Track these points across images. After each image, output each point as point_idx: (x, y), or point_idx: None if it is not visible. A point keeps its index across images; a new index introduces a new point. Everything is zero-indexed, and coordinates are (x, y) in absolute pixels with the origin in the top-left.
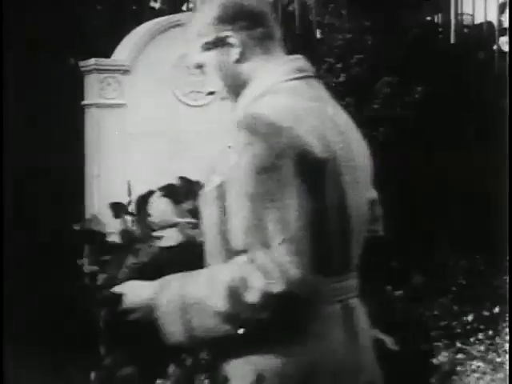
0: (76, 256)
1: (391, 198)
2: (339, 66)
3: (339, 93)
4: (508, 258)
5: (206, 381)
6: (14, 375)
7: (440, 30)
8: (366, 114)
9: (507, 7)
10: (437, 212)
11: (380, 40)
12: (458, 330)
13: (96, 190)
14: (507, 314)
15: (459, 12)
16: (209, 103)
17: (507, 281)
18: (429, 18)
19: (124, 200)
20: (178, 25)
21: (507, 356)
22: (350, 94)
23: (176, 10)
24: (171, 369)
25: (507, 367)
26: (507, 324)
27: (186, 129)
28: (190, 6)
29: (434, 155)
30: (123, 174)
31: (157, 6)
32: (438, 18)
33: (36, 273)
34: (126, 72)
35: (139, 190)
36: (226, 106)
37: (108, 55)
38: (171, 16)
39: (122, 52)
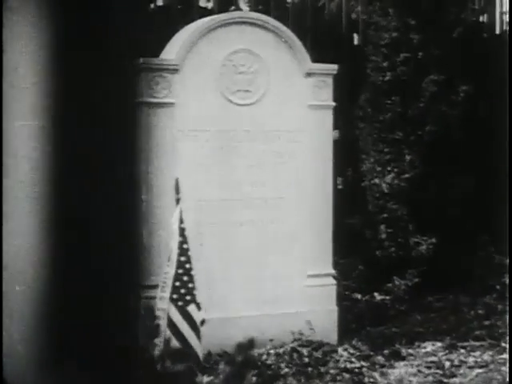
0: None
1: (436, 197)
2: (385, 64)
3: (385, 92)
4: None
5: (254, 378)
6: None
7: (485, 28)
8: (411, 112)
9: None
10: (482, 210)
11: (426, 38)
12: (502, 330)
13: (145, 188)
14: (507, 314)
15: (504, 11)
16: (256, 102)
17: (507, 281)
18: (474, 18)
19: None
20: (227, 24)
21: (507, 356)
22: (396, 92)
23: (224, 9)
24: (221, 366)
25: (507, 367)
26: (507, 324)
27: (234, 127)
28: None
29: (479, 154)
30: (172, 171)
31: (209, 5)
32: (483, 17)
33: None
34: (174, 71)
35: (187, 188)
36: (273, 104)
37: (157, 54)
38: (219, 15)
39: (171, 51)
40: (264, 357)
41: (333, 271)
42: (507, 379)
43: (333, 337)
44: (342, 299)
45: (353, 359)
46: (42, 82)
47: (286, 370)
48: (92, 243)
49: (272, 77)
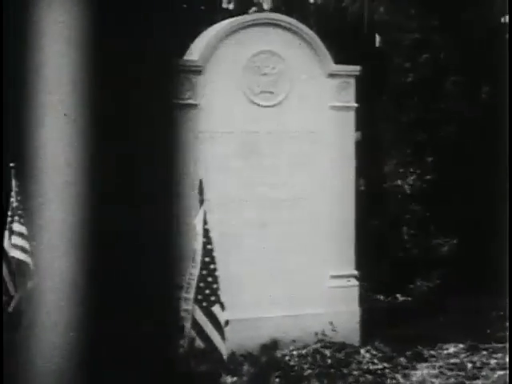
0: None
1: (458, 198)
2: (407, 65)
3: (407, 93)
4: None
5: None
6: None
7: (506, 29)
8: (433, 113)
9: None
10: (503, 212)
11: (448, 39)
12: None
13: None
14: (507, 315)
15: None
16: (279, 103)
17: (507, 281)
18: (495, 19)
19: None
20: (250, 25)
21: (507, 358)
22: (418, 93)
23: (246, 10)
24: (245, 367)
25: (507, 367)
26: (507, 324)
27: (257, 129)
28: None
29: (501, 156)
30: (196, 173)
31: (230, 6)
32: (504, 19)
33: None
34: (198, 72)
35: (211, 189)
36: (296, 105)
37: (181, 56)
38: (242, 17)
39: (195, 52)
40: (287, 358)
41: (355, 272)
42: (507, 379)
43: (355, 338)
44: (365, 300)
45: (375, 360)
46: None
47: (309, 371)
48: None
49: (295, 78)
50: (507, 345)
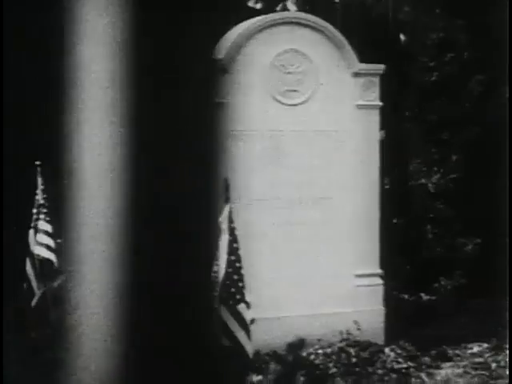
0: None
1: (482, 197)
2: (432, 64)
3: (432, 92)
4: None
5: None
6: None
7: None
8: (457, 112)
9: None
10: None
11: (472, 39)
12: None
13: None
14: (507, 314)
15: None
16: (304, 102)
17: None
18: None
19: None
20: (275, 24)
21: (507, 358)
22: (443, 92)
23: (272, 9)
24: (272, 365)
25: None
26: (507, 324)
27: (282, 127)
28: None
29: None
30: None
31: (257, 6)
32: None
33: None
34: (223, 71)
35: (237, 188)
36: (321, 104)
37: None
38: (268, 15)
39: (220, 51)
40: (312, 357)
41: (380, 271)
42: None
43: (380, 337)
44: (389, 299)
45: (400, 359)
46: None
47: (334, 369)
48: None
49: (320, 77)
50: (507, 345)
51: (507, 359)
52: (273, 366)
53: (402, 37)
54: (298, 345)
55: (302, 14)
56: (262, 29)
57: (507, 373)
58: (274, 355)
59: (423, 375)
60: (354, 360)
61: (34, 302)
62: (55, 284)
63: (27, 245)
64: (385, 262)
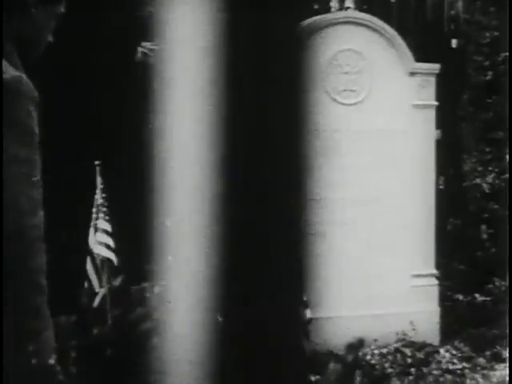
0: None
1: None
2: (486, 64)
3: (486, 91)
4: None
5: (359, 378)
6: None
7: None
8: None
9: None
10: None
11: None
12: None
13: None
14: (507, 314)
15: None
16: (361, 102)
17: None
18: None
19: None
20: (333, 24)
21: (507, 359)
22: (497, 92)
23: (329, 9)
24: (330, 365)
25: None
26: (507, 325)
27: (339, 127)
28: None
29: None
30: None
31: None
32: None
33: None
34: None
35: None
36: (377, 104)
37: None
38: (325, 15)
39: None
40: (368, 357)
41: (435, 271)
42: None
43: (435, 338)
44: (444, 300)
45: (455, 360)
46: (205, 85)
47: (390, 370)
48: (257, 247)
49: (376, 76)
50: (507, 346)
51: None
52: (332, 365)
53: (457, 36)
54: (358, 345)
55: (359, 14)
56: (320, 28)
57: None
58: (332, 355)
59: (478, 376)
60: (409, 360)
61: (96, 302)
62: (115, 283)
63: (87, 244)
64: (440, 262)
